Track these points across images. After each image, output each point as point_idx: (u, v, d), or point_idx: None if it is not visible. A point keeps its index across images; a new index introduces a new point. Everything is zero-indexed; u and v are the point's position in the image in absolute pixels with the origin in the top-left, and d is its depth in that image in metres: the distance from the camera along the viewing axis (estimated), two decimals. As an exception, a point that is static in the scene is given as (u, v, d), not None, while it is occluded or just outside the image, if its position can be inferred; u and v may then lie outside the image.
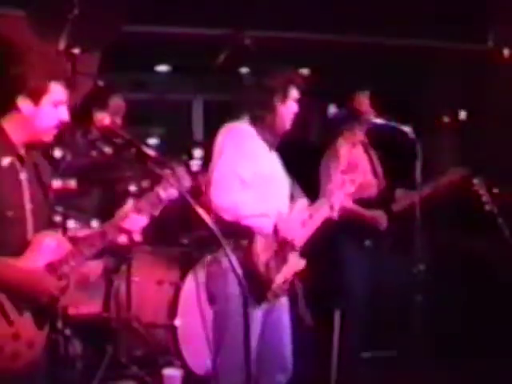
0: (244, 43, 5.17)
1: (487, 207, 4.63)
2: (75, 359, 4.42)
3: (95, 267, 4.63)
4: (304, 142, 7.33)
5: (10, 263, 2.89)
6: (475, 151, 6.58)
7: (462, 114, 6.99)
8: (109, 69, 5.53)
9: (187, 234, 5.10)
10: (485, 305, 5.46)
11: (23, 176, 2.99)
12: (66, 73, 3.04)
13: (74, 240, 3.04)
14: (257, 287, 3.52)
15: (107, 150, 3.67)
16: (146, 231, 3.16)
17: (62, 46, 4.52)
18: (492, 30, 6.66)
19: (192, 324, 4.58)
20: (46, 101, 2.96)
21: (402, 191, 5.12)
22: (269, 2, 5.99)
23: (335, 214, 4.02)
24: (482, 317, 5.41)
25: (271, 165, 3.77)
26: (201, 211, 2.93)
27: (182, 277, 4.76)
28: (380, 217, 5.02)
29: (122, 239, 3.11)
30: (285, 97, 3.77)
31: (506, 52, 6.47)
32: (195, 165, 4.50)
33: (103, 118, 2.98)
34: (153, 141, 7.09)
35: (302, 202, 3.85)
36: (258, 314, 3.61)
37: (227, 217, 3.50)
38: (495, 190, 4.78)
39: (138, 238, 3.16)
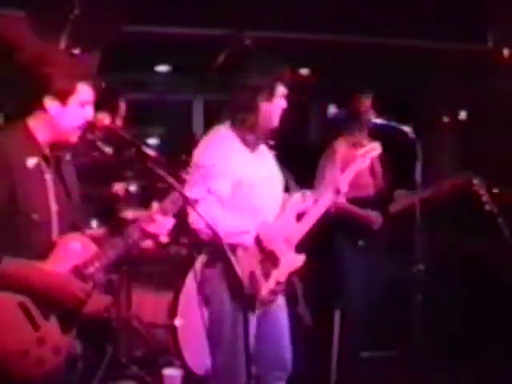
0: (244, 43, 5.18)
1: (487, 207, 4.63)
2: (75, 359, 4.42)
3: None
4: (304, 142, 7.35)
5: (37, 267, 2.86)
6: (475, 151, 6.59)
7: (462, 114, 7.00)
8: (109, 69, 5.53)
9: (187, 234, 5.10)
10: (485, 305, 5.46)
11: (48, 176, 2.97)
12: (93, 73, 3.03)
13: (98, 242, 3.02)
14: (243, 299, 3.47)
15: (107, 150, 3.66)
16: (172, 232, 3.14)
17: (62, 46, 4.52)
18: (492, 30, 6.66)
19: (192, 324, 4.58)
20: (73, 101, 2.94)
21: (401, 192, 5.11)
22: (269, 2, 5.99)
23: (341, 199, 3.98)
24: (482, 317, 5.41)
25: (254, 169, 3.66)
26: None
27: (182, 277, 4.76)
28: (374, 216, 5.01)
29: (148, 243, 3.11)
30: (271, 95, 3.66)
31: (505, 52, 6.48)
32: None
33: (103, 118, 2.98)
34: (153, 141, 7.09)
35: (297, 196, 3.81)
36: (252, 318, 3.59)
37: (204, 237, 3.45)
38: (495, 190, 4.78)
39: (165, 239, 3.14)
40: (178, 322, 4.70)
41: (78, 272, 2.92)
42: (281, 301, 3.81)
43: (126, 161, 4.33)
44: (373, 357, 5.34)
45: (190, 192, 3.21)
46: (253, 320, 3.61)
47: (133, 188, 4.83)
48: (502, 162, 6.07)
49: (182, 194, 3.04)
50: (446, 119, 7.05)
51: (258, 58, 3.89)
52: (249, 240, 3.57)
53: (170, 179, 2.99)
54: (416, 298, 4.47)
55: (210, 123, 3.85)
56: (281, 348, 3.77)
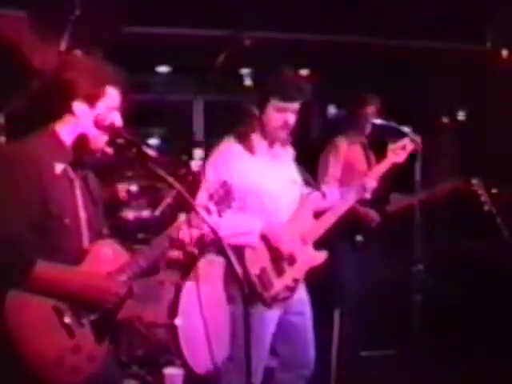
0: (244, 44, 5.18)
1: (486, 207, 4.64)
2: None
3: None
4: (303, 142, 7.36)
5: (74, 269, 2.82)
6: (474, 151, 6.60)
7: (461, 115, 7.01)
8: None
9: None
10: (485, 304, 5.46)
11: (76, 183, 2.94)
12: (122, 77, 2.98)
13: (130, 250, 3.00)
14: (255, 297, 3.54)
15: (108, 150, 3.67)
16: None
17: (63, 46, 4.53)
18: (491, 31, 6.67)
19: (193, 323, 4.59)
20: (101, 105, 2.92)
21: (396, 195, 5.16)
22: (269, 2, 6.00)
23: (368, 195, 3.99)
24: (481, 316, 5.42)
25: (262, 175, 3.66)
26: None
27: (183, 276, 4.77)
28: (372, 214, 5.06)
29: (175, 253, 3.10)
30: (263, 107, 3.62)
31: (504, 53, 6.49)
32: (195, 165, 4.49)
33: (103, 119, 2.96)
34: (153, 141, 7.10)
35: (316, 194, 3.83)
36: (273, 315, 3.64)
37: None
38: (494, 190, 4.79)
39: (193, 249, 3.13)
40: (178, 321, 4.71)
41: (111, 279, 2.89)
42: (304, 296, 3.85)
43: (126, 161, 4.34)
44: (373, 356, 5.35)
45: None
46: (274, 318, 3.65)
47: (133, 188, 4.85)
48: (501, 162, 6.08)
49: (182, 195, 3.05)
50: (445, 119, 7.06)
51: (269, 67, 3.87)
52: (253, 239, 3.59)
53: (171, 179, 2.99)
54: (416, 297, 4.48)
55: (210, 123, 3.86)
56: (305, 345, 3.82)
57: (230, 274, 3.66)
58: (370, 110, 5.17)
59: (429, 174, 4.78)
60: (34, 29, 4.67)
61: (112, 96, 2.94)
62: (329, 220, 3.87)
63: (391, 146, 4.13)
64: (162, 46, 6.17)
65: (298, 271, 3.73)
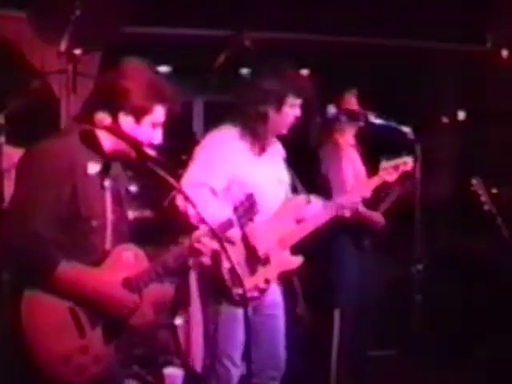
0: (244, 44, 5.19)
1: (486, 207, 4.64)
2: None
3: None
4: (303, 142, 7.36)
5: (91, 274, 2.81)
6: (474, 151, 6.61)
7: (461, 115, 7.01)
8: (109, 70, 5.54)
9: (187, 235, 5.10)
10: (485, 305, 5.47)
11: (107, 184, 2.94)
12: (173, 95, 2.97)
13: (150, 257, 2.99)
14: (224, 293, 3.50)
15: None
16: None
17: (63, 47, 4.54)
18: (491, 31, 6.68)
19: (192, 323, 4.60)
20: (147, 121, 2.91)
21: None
22: (269, 2, 6.00)
23: (348, 214, 3.97)
24: (481, 317, 5.42)
25: (254, 171, 3.65)
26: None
27: (183, 276, 4.77)
28: (377, 217, 5.01)
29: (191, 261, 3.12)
30: (280, 104, 3.63)
31: (504, 53, 6.49)
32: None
33: (103, 119, 2.97)
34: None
35: (300, 199, 3.80)
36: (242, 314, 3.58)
37: (194, 221, 3.39)
38: (494, 190, 4.79)
39: (208, 261, 3.13)
40: (178, 321, 4.71)
41: (128, 284, 2.88)
42: (278, 299, 3.80)
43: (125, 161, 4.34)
44: (373, 356, 5.35)
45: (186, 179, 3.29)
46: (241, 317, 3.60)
47: (133, 188, 4.85)
48: (502, 162, 6.09)
49: (181, 192, 3.05)
50: (445, 119, 7.06)
51: (271, 64, 3.79)
52: (233, 232, 3.47)
53: (170, 179, 2.99)
54: (416, 297, 4.48)
55: (210, 124, 3.85)
56: (274, 347, 3.75)
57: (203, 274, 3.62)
58: (352, 101, 4.99)
59: (429, 174, 4.78)
60: (34, 29, 4.68)
61: (158, 113, 2.93)
62: (308, 228, 3.82)
63: (384, 164, 4.11)
64: (162, 45, 6.17)
65: (270, 272, 3.67)
